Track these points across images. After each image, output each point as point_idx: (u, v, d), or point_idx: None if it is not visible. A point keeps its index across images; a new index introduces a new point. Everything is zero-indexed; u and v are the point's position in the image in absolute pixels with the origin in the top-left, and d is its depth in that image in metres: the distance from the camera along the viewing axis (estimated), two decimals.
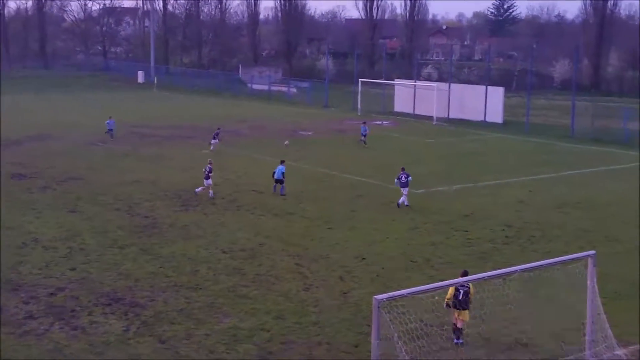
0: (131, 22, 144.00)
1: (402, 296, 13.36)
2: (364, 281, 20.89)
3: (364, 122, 49.63)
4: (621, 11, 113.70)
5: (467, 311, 16.38)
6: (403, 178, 29.60)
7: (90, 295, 19.51)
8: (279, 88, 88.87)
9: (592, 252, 15.93)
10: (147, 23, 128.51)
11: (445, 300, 16.50)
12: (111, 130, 47.53)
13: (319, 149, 46.12)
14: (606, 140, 50.12)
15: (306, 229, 26.48)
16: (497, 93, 60.97)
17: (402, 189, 29.67)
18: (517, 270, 14.90)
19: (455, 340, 16.51)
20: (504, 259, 22.74)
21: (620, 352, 15.62)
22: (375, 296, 12.93)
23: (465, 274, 16.61)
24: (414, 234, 25.97)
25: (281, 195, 31.41)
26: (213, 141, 44.11)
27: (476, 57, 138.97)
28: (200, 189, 31.30)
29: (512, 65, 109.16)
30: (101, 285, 20.35)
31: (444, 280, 16.29)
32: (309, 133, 53.95)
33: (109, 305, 18.83)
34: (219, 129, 46.30)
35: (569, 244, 24.61)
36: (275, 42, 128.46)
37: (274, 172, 32.05)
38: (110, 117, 48.36)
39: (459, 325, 16.48)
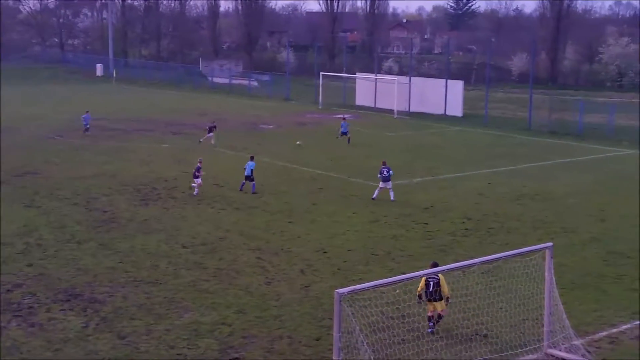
0: (89, 14, 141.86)
1: (363, 289, 13.40)
2: (325, 274, 20.92)
3: (344, 118, 47.54)
4: (577, 5, 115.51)
5: (440, 302, 16.49)
6: (385, 172, 29.40)
7: (48, 292, 19.21)
8: (240, 81, 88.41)
9: (550, 243, 16.16)
10: (105, 15, 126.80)
11: (417, 292, 16.60)
12: (87, 125, 46.45)
13: (280, 142, 46.01)
14: (562, 133, 50.90)
15: (267, 223, 26.42)
16: (456, 86, 61.48)
17: (383, 184, 29.51)
18: (476, 263, 15.07)
19: (429, 330, 16.69)
20: (464, 251, 22.96)
21: (577, 342, 15.89)
22: (337, 290, 12.94)
23: (435, 265, 16.70)
24: (375, 227, 26.08)
25: (252, 193, 30.57)
26: (208, 134, 43.59)
27: (436, 51, 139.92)
28: (196, 188, 30.43)
29: (471, 59, 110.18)
30: (59, 281, 20.05)
31: (405, 273, 16.38)
32: (270, 126, 53.81)
33: (68, 302, 18.56)
34: (214, 122, 45.21)
35: (527, 236, 24.95)
36: (235, 35, 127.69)
37: (245, 168, 31.22)
38: (86, 112, 47.31)
39: (434, 315, 16.63)
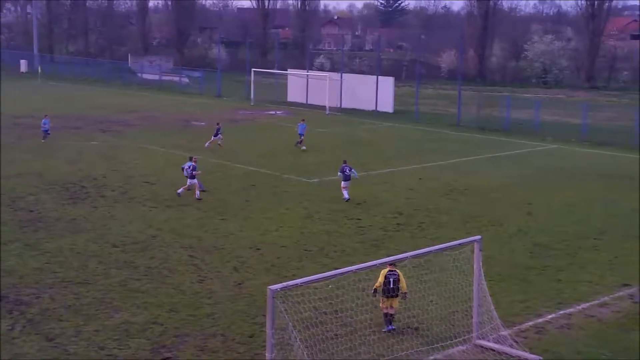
0: (12, 8, 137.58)
1: (296, 286, 13.43)
2: (259, 271, 20.87)
3: (303, 120, 43.40)
4: (503, 4, 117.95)
5: (396, 298, 16.43)
6: (347, 171, 29.00)
7: None
8: (171, 78, 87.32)
9: (478, 237, 16.51)
10: (29, 10, 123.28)
11: (375, 286, 16.50)
12: (47, 131, 42.19)
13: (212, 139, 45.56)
14: (490, 129, 52.02)
15: (199, 220, 26.19)
16: (387, 83, 62.12)
17: (345, 182, 29.08)
18: (407, 257, 15.27)
19: (387, 328, 16.54)
20: (396, 246, 23.25)
21: (505, 332, 16.28)
22: (270, 286, 12.93)
23: (393, 262, 16.36)
24: (308, 223, 26.15)
25: (201, 191, 29.18)
26: (214, 137, 41.19)
27: (367, 48, 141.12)
28: (182, 189, 29.14)
29: (402, 56, 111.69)
30: None
31: (337, 269, 16.49)
32: (202, 123, 53.31)
33: None
34: (218, 124, 42.64)
35: (457, 230, 25.42)
36: (165, 31, 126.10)
37: (183, 168, 29.71)
38: (45, 116, 43.54)
39: (390, 312, 16.55)
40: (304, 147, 41.43)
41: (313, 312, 16.58)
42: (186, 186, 29.14)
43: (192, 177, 29.01)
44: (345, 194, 29.00)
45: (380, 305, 16.67)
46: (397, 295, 16.38)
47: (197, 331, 16.77)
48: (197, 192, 28.98)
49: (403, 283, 16.42)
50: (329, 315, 17.17)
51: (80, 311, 17.77)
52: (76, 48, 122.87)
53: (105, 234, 24.24)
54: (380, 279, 16.33)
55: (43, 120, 42.70)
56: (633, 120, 48.93)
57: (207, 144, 40.97)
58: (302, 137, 41.90)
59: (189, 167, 29.14)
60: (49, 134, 42.31)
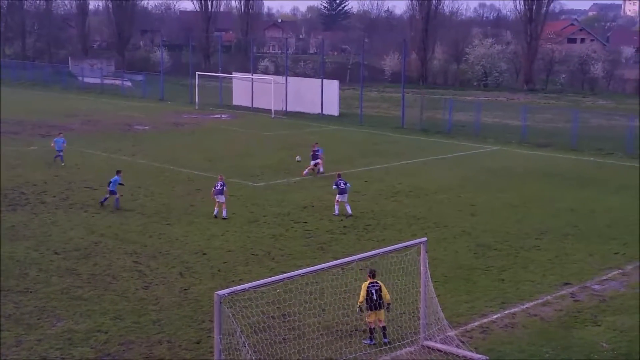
0: None
1: (243, 290, 13.34)
2: (205, 276, 20.68)
3: (316, 143, 37.23)
4: (445, 8, 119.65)
5: (382, 310, 16.07)
6: (342, 184, 27.57)
7: None
8: (113, 81, 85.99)
9: (424, 239, 16.67)
10: None
11: (358, 304, 16.08)
12: (60, 151, 36.79)
13: (155, 143, 45.12)
14: (433, 131, 52.65)
15: (144, 226, 25.83)
16: (332, 86, 62.32)
17: (340, 196, 27.55)
18: (354, 260, 15.32)
19: (367, 341, 16.15)
20: (343, 249, 23.32)
21: (452, 333, 16.47)
22: (217, 292, 12.82)
23: (372, 274, 16.19)
24: (254, 227, 26.03)
25: (116, 208, 27.86)
26: (313, 162, 35.45)
27: (311, 51, 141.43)
28: (216, 210, 27.06)
29: (346, 59, 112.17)
30: None
31: (285, 273, 16.44)
32: (145, 127, 52.66)
33: None
34: (315, 146, 36.14)
35: (402, 231, 25.64)
36: (106, 33, 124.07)
37: (109, 183, 28.25)
38: (59, 134, 38.50)
39: (380, 325, 16.17)
40: (298, 158, 36.89)
41: (261, 316, 16.51)
42: (218, 202, 27.05)
43: (220, 193, 26.87)
44: (336, 209, 27.61)
45: (367, 319, 16.16)
46: (382, 307, 16.01)
47: (142, 338, 16.52)
48: (216, 209, 27.03)
49: (386, 294, 16.10)
50: (277, 319, 17.11)
51: (21, 320, 17.33)
52: (13, 51, 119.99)
53: (46, 241, 23.70)
54: (363, 293, 15.90)
55: (56, 139, 37.45)
56: (570, 121, 50.15)
57: (305, 171, 35.02)
58: (319, 162, 35.69)
59: (114, 182, 28.11)
60: (62, 155, 36.79)
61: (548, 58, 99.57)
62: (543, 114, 62.29)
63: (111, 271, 20.95)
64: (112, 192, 28.21)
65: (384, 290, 16.13)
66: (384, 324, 16.33)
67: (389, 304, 16.34)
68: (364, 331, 16.87)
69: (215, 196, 27.02)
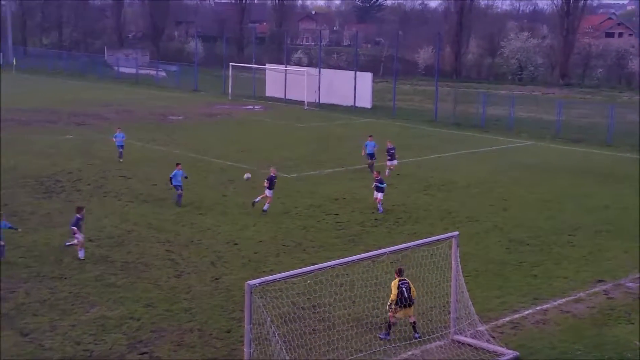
0: None
1: (274, 281, 13.41)
2: (236, 266, 20.81)
3: (371, 137, 34.98)
4: (480, 1, 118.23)
5: (412, 307, 16.05)
6: (379, 183, 27.02)
7: None
8: (147, 71, 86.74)
9: (456, 233, 16.59)
10: (2, 2, 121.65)
11: (390, 300, 15.94)
12: (121, 147, 35.33)
13: (188, 133, 45.44)
14: (466, 125, 52.29)
15: (177, 215, 26.05)
16: (365, 78, 62.17)
17: (377, 193, 27.06)
18: (385, 252, 15.30)
19: (383, 336, 16.10)
20: (373, 241, 23.30)
21: (482, 328, 16.39)
22: (248, 282, 12.90)
23: (401, 272, 16.14)
24: (285, 218, 26.12)
25: (177, 204, 27.09)
26: (388, 162, 33.33)
27: (345, 43, 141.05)
28: (259, 198, 26.80)
29: (379, 52, 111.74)
30: None
31: (315, 264, 16.49)
32: (179, 117, 53.05)
33: None
34: (390, 144, 33.64)
35: (434, 225, 25.54)
36: (141, 24, 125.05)
37: (170, 178, 27.47)
38: (118, 129, 36.51)
39: (411, 321, 16.12)
40: (247, 175, 29.98)
41: (291, 307, 16.58)
42: (263, 195, 26.62)
43: (270, 187, 26.33)
44: (380, 208, 27.00)
45: (395, 315, 16.04)
46: (412, 304, 16.02)
47: (174, 326, 16.70)
48: (267, 205, 26.57)
49: (413, 291, 16.13)
50: (307, 310, 17.18)
51: (56, 306, 17.62)
52: (50, 41, 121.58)
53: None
54: (395, 291, 15.84)
55: (116, 134, 35.83)
56: (606, 117, 49.45)
57: (387, 172, 32.76)
58: (373, 160, 34.01)
59: (176, 176, 27.19)
60: (121, 151, 35.35)
61: (585, 52, 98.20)
62: (578, 109, 61.49)
63: (144, 259, 21.19)
64: (177, 187, 27.20)
65: (412, 287, 16.12)
66: (414, 320, 16.30)
67: (414, 300, 16.22)
68: (393, 323, 16.85)
69: (266, 190, 26.35)
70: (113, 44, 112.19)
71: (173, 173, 27.33)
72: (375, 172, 27.87)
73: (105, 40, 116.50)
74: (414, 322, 16.30)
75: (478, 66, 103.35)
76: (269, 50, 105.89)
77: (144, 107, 58.16)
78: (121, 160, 34.84)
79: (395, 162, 33.48)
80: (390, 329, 16.22)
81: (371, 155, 34.00)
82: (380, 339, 16.08)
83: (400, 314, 16.08)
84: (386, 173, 32.27)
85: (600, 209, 28.78)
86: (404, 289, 15.88)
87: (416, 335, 16.22)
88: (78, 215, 21.19)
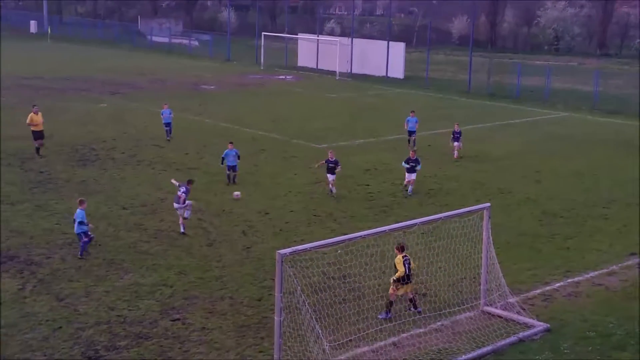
0: None
1: (305, 250, 13.47)
2: (267, 236, 20.94)
3: (413, 112, 33.54)
4: None
5: (411, 283, 15.97)
6: (415, 163, 25.45)
7: None
8: (180, 41, 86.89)
9: (487, 204, 16.50)
10: None
11: (397, 276, 15.67)
12: (168, 124, 33.19)
13: (221, 103, 45.56)
14: (500, 96, 51.67)
15: (208, 184, 26.23)
16: (398, 48, 61.63)
17: (409, 175, 25.51)
18: (416, 223, 15.27)
19: (384, 315, 15.81)
20: (405, 212, 23.25)
21: (512, 299, 16.34)
22: (279, 251, 12.98)
23: (402, 247, 15.89)
24: (316, 189, 26.16)
25: (233, 183, 26.07)
26: (455, 144, 31.52)
27: (378, 12, 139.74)
28: (331, 187, 25.25)
29: (413, 21, 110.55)
30: None
31: (346, 234, 16.52)
32: (212, 87, 53.17)
33: (3, 264, 18.17)
34: (457, 127, 31.76)
35: (466, 197, 25.40)
36: None
37: (222, 159, 26.20)
38: (165, 105, 34.00)
39: (410, 296, 16.00)
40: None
41: (321, 276, 16.68)
42: (328, 181, 25.23)
43: (332, 171, 24.99)
44: (409, 188, 25.58)
45: (395, 293, 15.84)
46: (411, 280, 15.90)
47: (205, 294, 16.90)
48: (333, 188, 25.13)
49: (413, 267, 16.05)
50: (337, 280, 17.26)
51: (91, 272, 17.93)
52: (85, 10, 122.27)
53: (115, 196, 24.34)
54: (401, 268, 15.57)
55: (162, 111, 33.67)
56: None
57: (455, 153, 31.41)
58: (414, 135, 32.96)
59: (228, 155, 25.86)
60: (169, 127, 33.25)
61: (623, 22, 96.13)
62: (616, 80, 60.38)
63: (176, 228, 21.39)
64: (229, 167, 26.13)
65: (412, 263, 15.91)
66: (412, 295, 16.06)
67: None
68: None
69: (327, 174, 25.01)
70: (147, 12, 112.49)
71: (225, 152, 26.08)
72: (412, 151, 26.20)
73: (139, 9, 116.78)
74: (413, 298, 16.08)
75: (514, 36, 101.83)
76: (301, 19, 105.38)
77: (176, 76, 58.37)
78: (169, 139, 32.91)
79: (459, 144, 31.53)
80: (391, 307, 15.92)
81: (411, 133, 32.92)
82: (382, 319, 15.68)
83: (401, 290, 15.86)
84: (455, 155, 31.24)
85: (636, 182, 28.35)
86: (407, 265, 15.68)
87: (418, 309, 15.99)
88: (187, 186, 20.97)
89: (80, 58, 69.80)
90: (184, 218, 21.08)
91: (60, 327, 15.06)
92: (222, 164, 26.40)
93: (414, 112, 33.57)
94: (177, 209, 21.13)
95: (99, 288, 17.01)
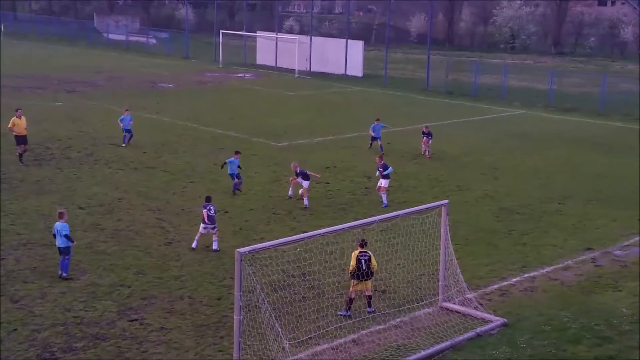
0: None
1: (264, 248, 13.43)
2: (227, 234, 20.84)
3: (378, 120, 32.52)
4: None
5: (369, 280, 15.76)
6: (383, 169, 24.34)
7: None
8: (137, 38, 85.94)
9: (446, 201, 16.65)
10: None
11: (349, 271, 15.69)
12: (128, 131, 31.65)
13: (179, 101, 45.20)
14: (458, 94, 52.18)
15: (167, 183, 26.02)
16: (357, 46, 61.82)
17: (382, 181, 24.37)
18: (375, 221, 15.33)
19: (342, 312, 15.75)
20: (364, 210, 23.34)
21: (470, 295, 16.52)
22: (238, 249, 12.92)
23: (363, 243, 15.78)
24: (276, 187, 26.12)
25: (238, 190, 25.07)
26: (425, 140, 31.68)
27: (337, 11, 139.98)
28: (291, 191, 24.69)
29: (371, 19, 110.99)
30: None
31: (306, 232, 16.52)
32: (170, 85, 52.71)
33: None
34: (427, 128, 31.99)
35: (424, 194, 25.60)
36: None
37: (224, 165, 25.50)
38: (126, 111, 32.21)
39: (367, 294, 15.89)
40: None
41: (281, 274, 16.65)
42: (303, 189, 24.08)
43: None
44: (384, 199, 24.20)
45: (352, 289, 15.75)
46: (370, 277, 15.73)
47: (164, 293, 16.76)
48: (306, 199, 23.84)
49: (374, 263, 15.84)
50: (297, 277, 17.26)
51: (46, 273, 17.64)
52: (40, 7, 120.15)
53: (71, 196, 23.99)
54: (353, 263, 15.53)
55: (122, 117, 31.85)
56: (598, 86, 49.41)
57: (424, 150, 31.85)
58: (379, 141, 32.12)
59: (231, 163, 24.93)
60: (129, 133, 31.67)
61: (577, 21, 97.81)
62: (571, 78, 61.38)
63: (134, 227, 21.19)
64: (232, 176, 25.10)
65: (373, 260, 15.74)
66: (370, 294, 15.98)
67: (373, 273, 15.84)
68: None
69: (298, 179, 23.89)
70: (103, 9, 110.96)
71: (230, 160, 25.29)
72: (377, 157, 25.15)
73: (95, 6, 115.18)
74: (370, 297, 15.98)
75: (471, 34, 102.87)
76: (260, 17, 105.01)
77: (134, 74, 57.73)
78: (124, 145, 31.31)
79: (427, 144, 31.55)
80: (350, 304, 15.83)
81: (375, 138, 31.99)
82: (341, 316, 15.62)
83: (358, 287, 15.72)
84: (427, 155, 31.32)
85: (591, 177, 28.90)
86: (362, 261, 15.49)
87: (369, 309, 15.90)
88: (210, 205, 19.51)
89: (35, 55, 68.60)
90: (214, 249, 19.39)
91: (15, 330, 14.79)
92: (221, 167, 25.72)
93: (378, 119, 32.45)
94: (203, 229, 19.44)
95: (55, 289, 16.75)
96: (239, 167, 25.33)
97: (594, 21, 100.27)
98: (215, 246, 19.58)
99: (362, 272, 15.49)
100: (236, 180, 25.15)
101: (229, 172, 25.22)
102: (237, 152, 25.62)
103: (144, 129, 35.09)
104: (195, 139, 33.94)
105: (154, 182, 26.16)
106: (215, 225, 19.68)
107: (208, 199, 19.91)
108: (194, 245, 19.69)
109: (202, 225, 19.59)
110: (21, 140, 28.03)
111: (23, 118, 28.21)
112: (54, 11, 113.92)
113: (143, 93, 47.98)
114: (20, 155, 27.99)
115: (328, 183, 26.76)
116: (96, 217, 21.96)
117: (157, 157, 29.81)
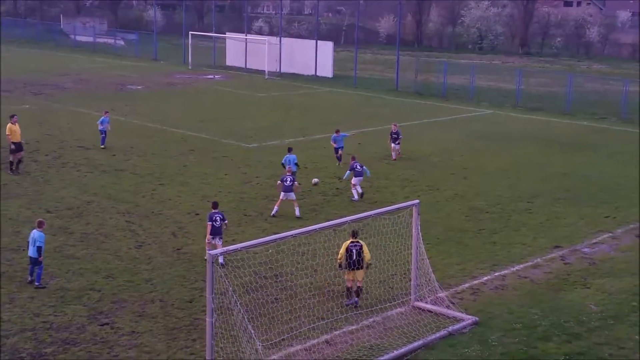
0: None
1: (236, 250, 13.39)
2: (198, 237, 20.72)
3: (337, 131, 30.29)
4: None
5: (361, 270, 15.99)
6: (358, 167, 24.86)
7: None
8: (105, 40, 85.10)
9: (416, 201, 16.73)
10: None
11: (338, 261, 16.09)
12: (104, 132, 31.27)
13: (148, 103, 44.87)
14: (427, 94, 52.48)
15: (137, 186, 25.81)
16: (326, 47, 61.86)
17: (356, 179, 24.80)
18: (347, 221, 15.36)
19: (348, 301, 16.17)
20: (335, 210, 23.38)
21: (442, 294, 16.62)
22: (209, 251, 12.86)
23: (354, 233, 16.01)
24: (247, 188, 26.05)
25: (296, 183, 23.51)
26: (394, 144, 31.44)
27: (306, 12, 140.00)
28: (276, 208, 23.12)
29: (341, 20, 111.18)
30: None
31: (277, 233, 16.50)
32: (138, 87, 52.31)
33: None
34: (395, 127, 31.73)
35: (395, 194, 25.70)
36: None
37: (284, 163, 25.09)
38: (105, 112, 31.99)
39: (357, 284, 16.11)
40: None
41: (253, 276, 16.61)
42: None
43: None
44: (355, 194, 24.80)
45: (346, 277, 16.25)
46: (361, 267, 15.97)
47: (135, 297, 16.62)
48: (297, 208, 22.87)
49: (367, 253, 16.04)
50: (269, 279, 17.23)
51: (14, 278, 17.40)
52: (5, 8, 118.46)
53: (39, 200, 23.70)
54: (342, 251, 15.82)
55: (102, 119, 31.45)
56: (565, 85, 50.03)
57: (393, 154, 31.44)
58: (340, 151, 30.00)
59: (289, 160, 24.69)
60: (104, 135, 31.31)
61: (544, 21, 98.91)
62: (538, 78, 62.05)
63: (104, 230, 20.99)
64: (294, 173, 24.05)
65: (365, 250, 16.04)
66: (361, 284, 16.25)
67: (369, 264, 16.34)
68: (348, 288, 16.99)
69: (283, 193, 22.77)
70: (69, 11, 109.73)
71: (285, 158, 25.20)
72: (351, 157, 25.42)
73: (62, 7, 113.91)
74: (360, 287, 16.29)
75: (439, 35, 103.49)
76: (229, 19, 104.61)
77: (102, 76, 57.19)
78: (102, 147, 31.05)
79: (397, 146, 31.36)
80: (349, 292, 16.27)
81: (338, 149, 30.00)
82: (347, 305, 16.14)
83: (349, 276, 16.11)
84: (393, 157, 31.19)
85: (559, 176, 29.25)
86: (353, 250, 15.83)
87: (355, 299, 16.18)
88: (219, 215, 18.21)
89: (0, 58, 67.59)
90: (221, 263, 17.45)
91: None
92: (283, 167, 24.85)
93: (338, 130, 30.45)
94: (210, 239, 18.14)
95: (23, 294, 16.52)
96: (296, 164, 24.74)
97: (560, 22, 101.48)
98: (221, 260, 17.36)
99: (352, 262, 15.71)
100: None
101: (292, 168, 24.00)
102: (290, 148, 26.21)
103: (113, 131, 34.69)
104: (165, 141, 33.71)
105: (123, 184, 25.94)
106: (222, 236, 18.13)
107: (215, 206, 18.45)
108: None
109: (208, 236, 18.11)
110: (18, 147, 26.92)
111: (17, 124, 27.10)
112: (19, 13, 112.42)
113: (111, 95, 47.55)
114: (18, 163, 26.88)
115: (299, 184, 26.70)
116: (65, 221, 21.71)
117: (126, 159, 29.56)
